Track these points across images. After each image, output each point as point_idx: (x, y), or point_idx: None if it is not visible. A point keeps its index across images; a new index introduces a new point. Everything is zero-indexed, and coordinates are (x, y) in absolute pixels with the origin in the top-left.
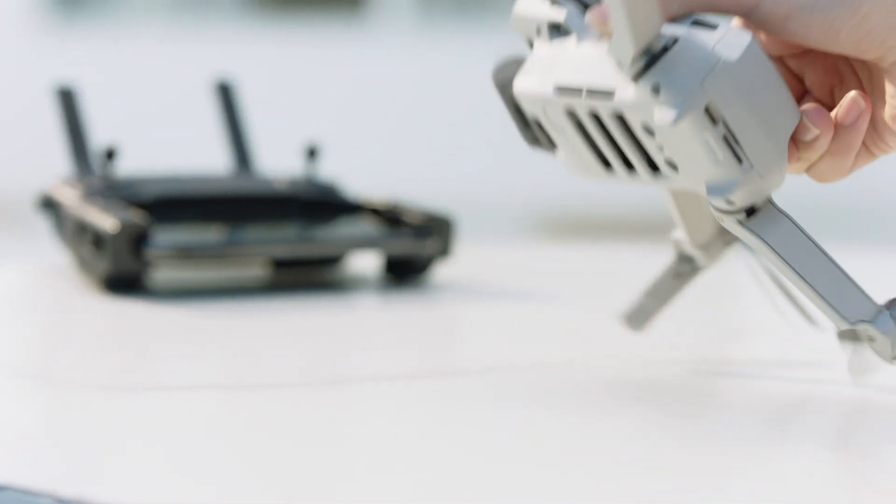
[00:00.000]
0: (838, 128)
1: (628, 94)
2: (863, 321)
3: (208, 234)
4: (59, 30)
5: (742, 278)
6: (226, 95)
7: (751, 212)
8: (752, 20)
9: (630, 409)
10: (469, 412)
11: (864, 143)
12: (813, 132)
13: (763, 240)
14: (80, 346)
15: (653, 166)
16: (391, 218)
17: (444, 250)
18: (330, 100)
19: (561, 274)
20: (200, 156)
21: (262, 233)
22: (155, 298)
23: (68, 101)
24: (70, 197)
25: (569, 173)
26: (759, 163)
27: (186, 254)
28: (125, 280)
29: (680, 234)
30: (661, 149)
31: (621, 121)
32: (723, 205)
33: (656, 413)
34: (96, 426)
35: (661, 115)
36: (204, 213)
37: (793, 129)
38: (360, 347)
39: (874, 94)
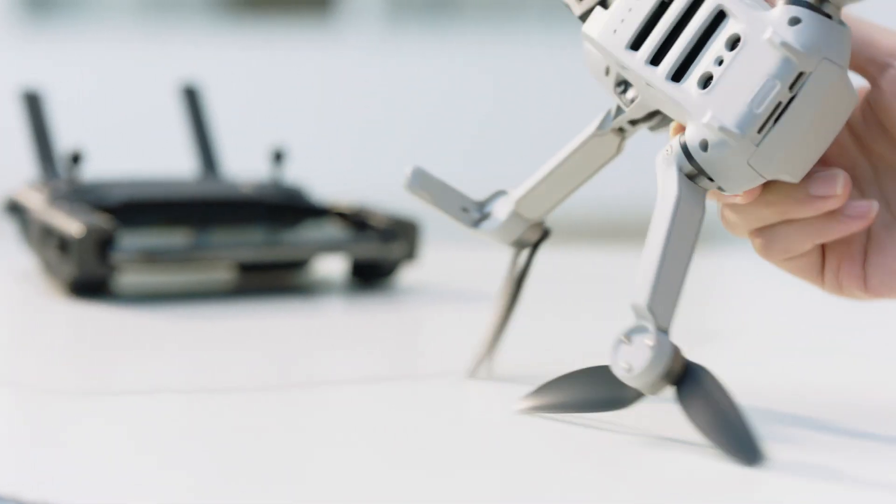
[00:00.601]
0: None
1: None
2: (648, 320)
3: (174, 237)
4: (25, 33)
5: (717, 279)
6: (192, 100)
7: (692, 176)
8: (875, 83)
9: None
10: (435, 415)
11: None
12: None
13: (677, 195)
14: (46, 351)
15: (680, 72)
16: (357, 221)
17: (410, 254)
18: (298, 103)
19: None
20: (167, 160)
21: (229, 237)
22: (121, 302)
23: (34, 105)
24: (36, 201)
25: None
26: (764, 151)
27: (152, 258)
28: (91, 284)
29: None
30: (719, 62)
31: (720, 17)
32: (712, 136)
33: (623, 415)
34: (61, 431)
35: (787, 35)
36: (170, 216)
37: (804, 171)
38: (326, 351)
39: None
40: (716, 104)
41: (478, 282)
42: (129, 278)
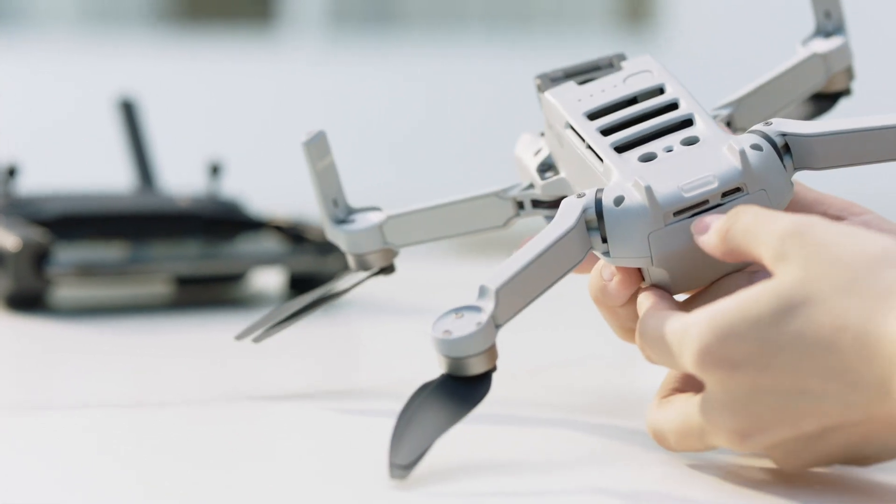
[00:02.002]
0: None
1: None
2: (488, 304)
3: (111, 251)
4: None
5: None
6: (128, 113)
7: (589, 227)
8: None
9: (541, 417)
10: (371, 429)
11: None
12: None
13: (571, 225)
14: None
15: (626, 147)
16: (294, 235)
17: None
18: (239, 114)
19: (465, 289)
20: (103, 173)
21: (165, 250)
22: (57, 316)
23: None
24: None
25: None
26: (666, 235)
27: (89, 271)
28: (27, 298)
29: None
30: (668, 150)
31: (686, 123)
32: (631, 194)
33: (575, 422)
34: None
35: (746, 149)
36: (106, 230)
37: (686, 288)
38: (262, 364)
39: None
40: (649, 174)
41: (415, 295)
42: (65, 292)
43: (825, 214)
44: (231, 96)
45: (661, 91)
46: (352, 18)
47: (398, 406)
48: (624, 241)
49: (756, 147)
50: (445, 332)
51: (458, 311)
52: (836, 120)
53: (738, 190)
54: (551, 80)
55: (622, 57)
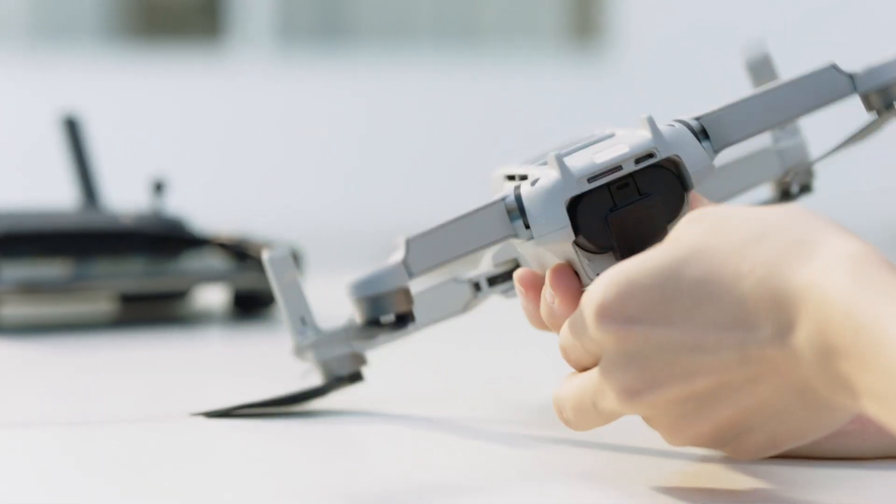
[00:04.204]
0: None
1: None
2: (400, 251)
3: (54, 269)
4: None
5: None
6: (72, 130)
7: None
8: None
9: (490, 438)
10: (311, 448)
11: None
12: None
13: (491, 203)
14: None
15: None
16: (238, 252)
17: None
18: (187, 131)
19: None
20: (47, 190)
21: (109, 267)
22: (0, 334)
23: None
24: None
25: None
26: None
27: (32, 289)
28: None
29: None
30: None
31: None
32: (546, 172)
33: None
34: None
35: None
36: (49, 248)
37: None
38: (207, 381)
39: None
40: (565, 157)
41: None
42: (8, 310)
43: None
44: (178, 112)
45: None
46: (300, 34)
47: (349, 420)
48: (542, 214)
49: (669, 126)
50: (358, 276)
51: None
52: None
53: (650, 156)
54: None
55: None
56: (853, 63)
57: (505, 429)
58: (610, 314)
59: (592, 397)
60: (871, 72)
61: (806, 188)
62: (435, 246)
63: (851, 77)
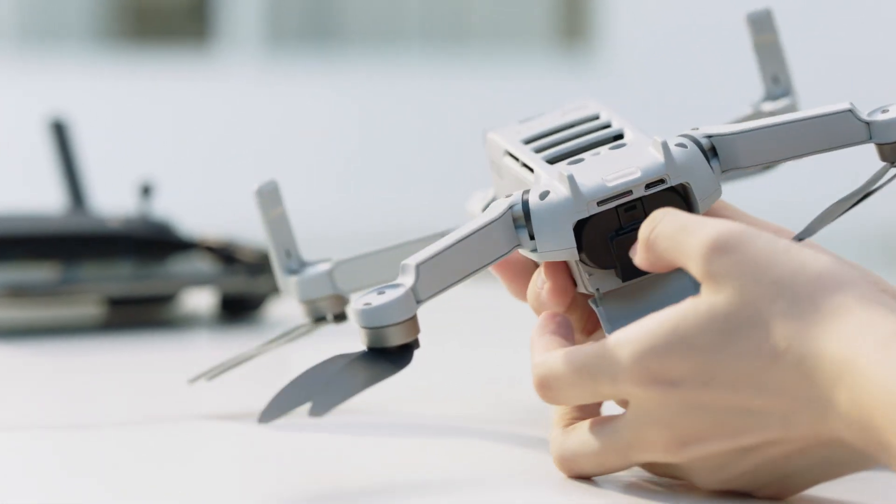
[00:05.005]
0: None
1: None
2: (408, 279)
3: (41, 272)
4: None
5: None
6: (60, 133)
7: (517, 225)
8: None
9: (471, 443)
10: (302, 451)
11: None
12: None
13: (496, 216)
14: None
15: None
16: (225, 255)
17: (277, 288)
18: (175, 134)
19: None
20: (34, 193)
21: (96, 271)
22: None
23: None
24: None
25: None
26: (592, 223)
27: (19, 292)
28: None
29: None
30: (595, 154)
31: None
32: (556, 187)
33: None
34: None
35: (670, 144)
36: (37, 251)
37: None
38: (193, 385)
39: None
40: (575, 170)
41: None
42: None
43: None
44: (167, 115)
45: (596, 117)
46: (289, 36)
47: (335, 427)
48: (550, 232)
49: (680, 145)
50: (366, 304)
51: (379, 289)
52: (760, 119)
53: (661, 182)
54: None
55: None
56: (849, 57)
57: (503, 429)
58: (649, 376)
59: (623, 450)
60: (890, 124)
61: None
62: (444, 267)
63: (868, 125)
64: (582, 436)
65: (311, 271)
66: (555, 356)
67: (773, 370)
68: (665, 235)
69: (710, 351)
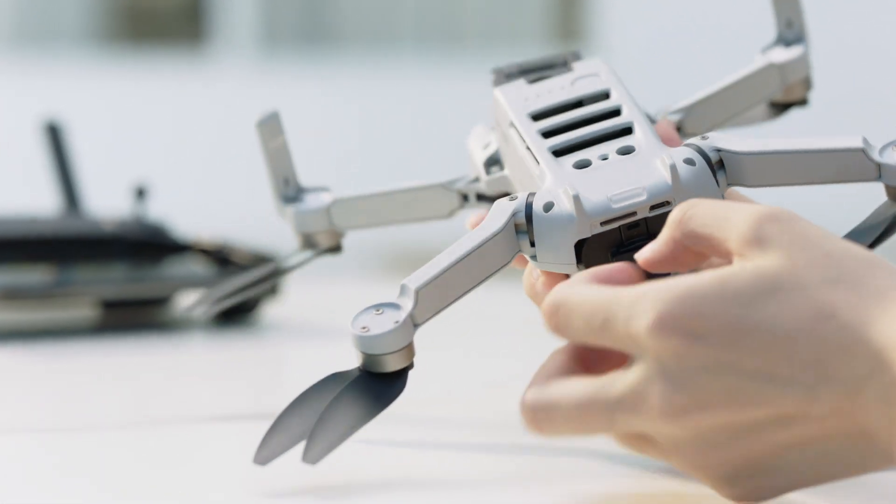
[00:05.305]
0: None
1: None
2: (408, 302)
3: (36, 275)
4: None
5: None
6: (54, 136)
7: (518, 231)
8: None
9: (457, 446)
10: (294, 453)
11: None
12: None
13: (497, 229)
14: None
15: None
16: (220, 257)
17: (271, 290)
18: (170, 136)
19: None
20: (28, 196)
21: (91, 273)
22: None
23: None
24: None
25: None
26: (592, 244)
27: (13, 295)
28: None
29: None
30: (603, 158)
31: (626, 130)
32: (561, 202)
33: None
34: None
35: (679, 164)
36: (31, 254)
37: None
38: (188, 388)
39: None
40: (580, 182)
41: (339, 318)
42: None
43: None
44: (161, 117)
45: (606, 96)
46: (284, 38)
47: None
48: (550, 247)
49: (689, 161)
50: (363, 328)
51: (378, 307)
52: (772, 139)
53: (667, 203)
54: (506, 75)
55: (577, 55)
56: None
57: (502, 432)
58: (674, 325)
59: (610, 408)
60: None
61: (802, 102)
62: (444, 287)
63: (879, 167)
64: (566, 386)
65: (309, 205)
66: (574, 286)
67: (812, 335)
68: (703, 213)
69: (749, 308)
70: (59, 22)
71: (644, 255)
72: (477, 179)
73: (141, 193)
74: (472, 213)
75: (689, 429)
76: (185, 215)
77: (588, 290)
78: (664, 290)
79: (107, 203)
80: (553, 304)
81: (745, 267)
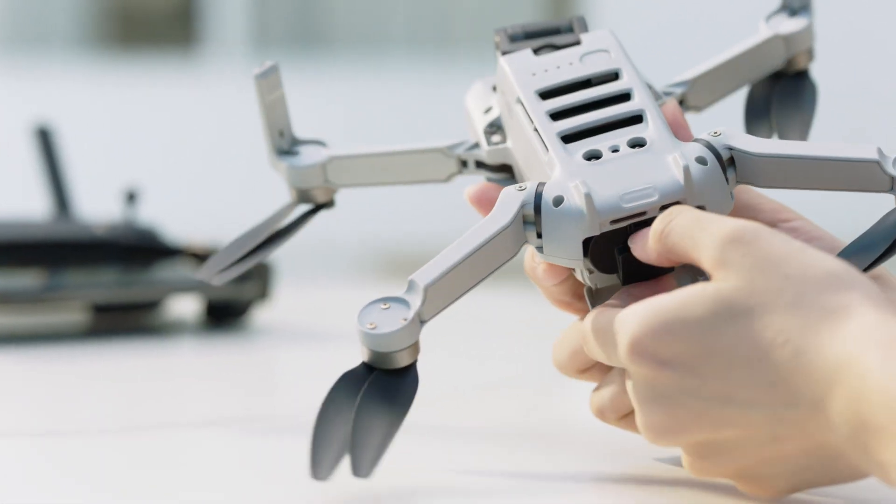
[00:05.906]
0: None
1: None
2: (416, 300)
3: (26, 279)
4: None
5: None
6: (45, 140)
7: (526, 222)
8: None
9: (449, 446)
10: (285, 457)
11: None
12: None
13: (506, 223)
14: None
15: (572, 138)
16: None
17: (262, 294)
18: (161, 140)
19: None
20: (19, 200)
21: (82, 278)
22: None
23: None
24: None
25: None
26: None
27: (4, 299)
28: None
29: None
30: (614, 150)
31: (637, 118)
32: (571, 197)
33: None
34: None
35: (691, 164)
36: (22, 258)
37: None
38: (179, 392)
39: None
40: (592, 176)
41: (330, 321)
42: None
43: (755, 220)
44: (153, 121)
45: (616, 76)
46: (275, 41)
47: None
48: (558, 242)
49: (701, 160)
50: (371, 324)
51: (385, 300)
52: (784, 142)
53: (677, 203)
54: (510, 38)
55: (583, 23)
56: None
57: (499, 434)
58: (642, 352)
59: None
60: None
61: (803, 73)
62: (452, 283)
63: (893, 179)
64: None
65: (304, 160)
66: (592, 314)
67: (767, 361)
68: (680, 227)
69: (707, 334)
70: (49, 25)
71: (637, 255)
72: (477, 145)
73: (131, 197)
74: (472, 183)
75: (674, 444)
76: (176, 219)
77: (594, 316)
78: (637, 315)
79: (98, 207)
80: (582, 337)
81: (705, 291)
